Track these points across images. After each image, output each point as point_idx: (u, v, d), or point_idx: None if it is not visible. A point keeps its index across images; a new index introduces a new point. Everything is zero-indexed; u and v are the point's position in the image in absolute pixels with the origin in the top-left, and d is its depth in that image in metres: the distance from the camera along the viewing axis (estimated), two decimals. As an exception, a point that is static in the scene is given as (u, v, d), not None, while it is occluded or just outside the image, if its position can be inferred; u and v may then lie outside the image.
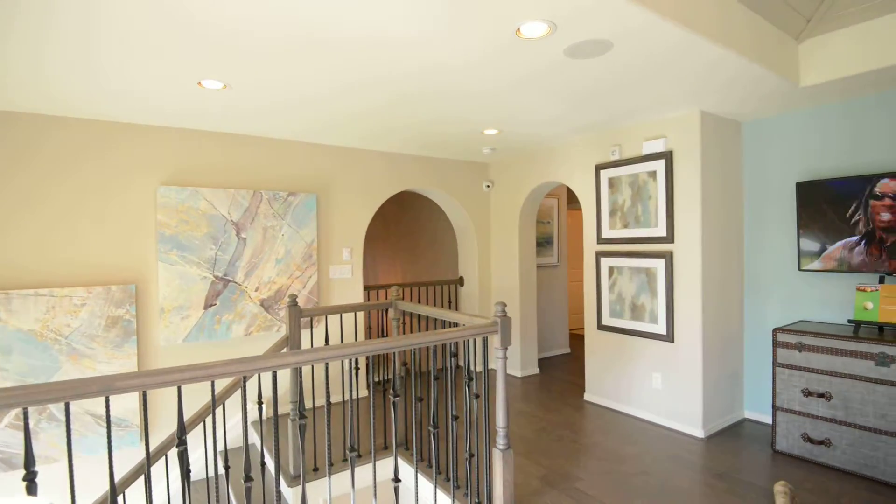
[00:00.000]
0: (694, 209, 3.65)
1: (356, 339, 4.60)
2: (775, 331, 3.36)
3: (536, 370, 5.47)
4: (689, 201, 3.68)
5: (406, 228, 7.52)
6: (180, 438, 1.88)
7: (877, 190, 3.17)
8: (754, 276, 3.98)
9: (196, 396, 3.90)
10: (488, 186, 5.50)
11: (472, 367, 3.18)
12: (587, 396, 4.53)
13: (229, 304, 3.92)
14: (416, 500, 2.50)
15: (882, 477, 2.92)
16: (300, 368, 2.11)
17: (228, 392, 3.02)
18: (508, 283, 5.39)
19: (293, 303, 3.09)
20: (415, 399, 2.83)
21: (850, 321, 3.20)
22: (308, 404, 4.31)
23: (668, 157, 3.76)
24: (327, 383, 2.32)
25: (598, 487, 2.95)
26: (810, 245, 3.48)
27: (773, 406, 3.38)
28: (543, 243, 6.17)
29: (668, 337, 3.80)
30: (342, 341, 2.65)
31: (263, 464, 2.58)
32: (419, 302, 4.81)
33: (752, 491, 2.88)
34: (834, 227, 3.36)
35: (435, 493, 2.69)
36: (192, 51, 2.43)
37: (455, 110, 3.53)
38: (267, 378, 3.95)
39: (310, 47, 2.42)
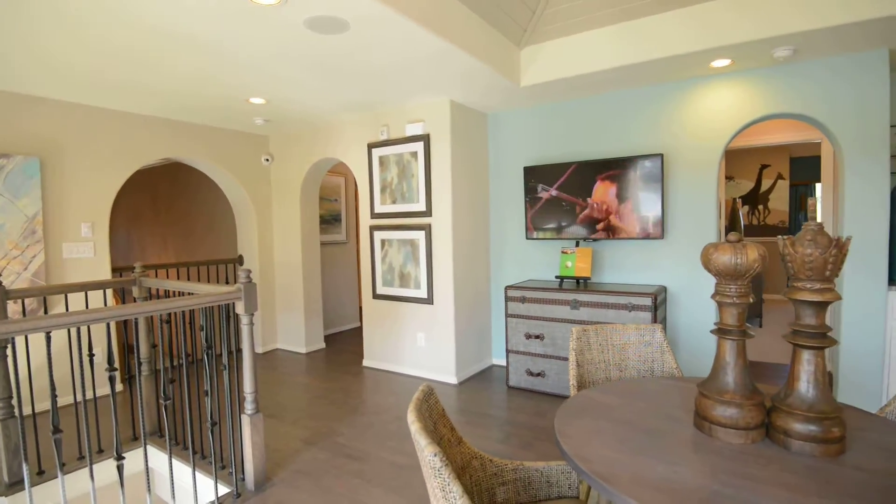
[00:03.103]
0: (447, 187, 4.14)
1: (109, 332, 4.07)
2: (507, 288, 4.05)
3: (322, 345, 5.57)
4: (443, 180, 4.16)
5: (180, 206, 6.83)
6: None
7: (577, 175, 4.03)
8: (498, 243, 4.70)
9: None
10: (268, 161, 5.34)
11: (237, 344, 3.12)
12: (365, 362, 4.82)
13: None
14: (171, 483, 2.40)
15: (575, 395, 3.79)
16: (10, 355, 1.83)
17: None
18: (291, 261, 5.35)
19: (-5, 282, 2.61)
20: (161, 381, 2.67)
21: (556, 277, 4.03)
22: (44, 406, 3.68)
23: (426, 139, 4.18)
24: (50, 364, 2.05)
25: (357, 438, 3.21)
26: (533, 216, 4.27)
27: (507, 350, 4.08)
28: (331, 220, 6.26)
29: (429, 300, 4.27)
30: (90, 335, 2.27)
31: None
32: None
33: (484, 418, 3.46)
34: (549, 202, 4.17)
35: (194, 474, 2.60)
36: None
37: (206, 70, 3.35)
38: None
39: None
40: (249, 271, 2.55)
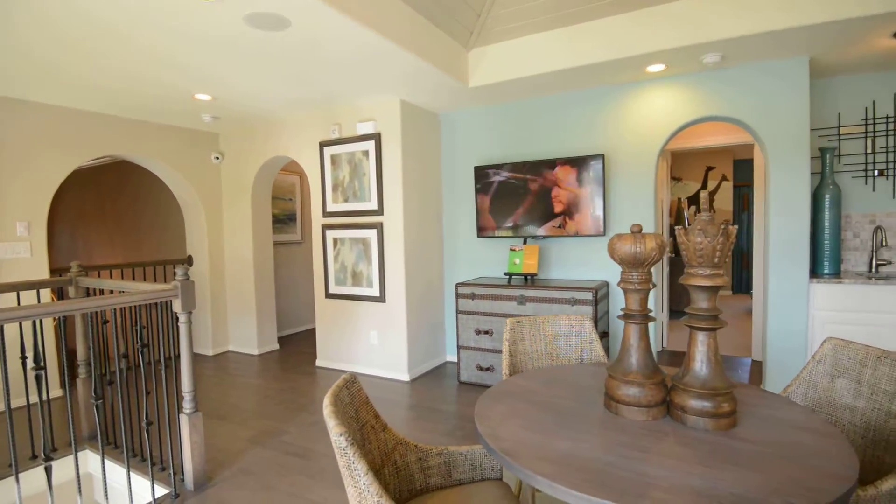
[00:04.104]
0: (398, 185, 4.17)
1: (36, 330, 3.91)
2: (457, 285, 4.12)
3: (276, 346, 5.50)
4: (394, 178, 4.19)
5: (127, 204, 6.61)
6: None
7: (525, 174, 4.14)
8: (450, 242, 4.77)
9: None
10: (217, 158, 5.24)
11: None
12: (319, 362, 4.79)
13: None
14: (105, 486, 2.34)
15: (523, 388, 3.89)
16: None
17: None
18: (243, 261, 5.26)
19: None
20: (93, 382, 2.61)
21: (505, 273, 4.13)
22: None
23: (377, 138, 4.20)
24: (-55, 366, 1.97)
25: (303, 436, 3.20)
26: (484, 215, 4.35)
27: (458, 346, 4.14)
28: (286, 220, 6.19)
29: (382, 298, 4.29)
30: (22, 337, 2.17)
31: None
32: (130, 282, 4.33)
33: (433, 413, 3.50)
34: (499, 201, 4.26)
35: (128, 475, 2.54)
36: None
37: (143, 66, 3.28)
38: None
39: None
40: (187, 268, 2.52)
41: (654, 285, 1.46)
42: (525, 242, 4.22)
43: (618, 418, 1.42)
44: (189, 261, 5.32)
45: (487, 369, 4.02)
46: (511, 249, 4.13)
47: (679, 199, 7.72)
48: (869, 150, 3.86)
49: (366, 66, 3.38)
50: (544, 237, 4.11)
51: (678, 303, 6.58)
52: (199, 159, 5.16)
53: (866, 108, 3.84)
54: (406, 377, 4.25)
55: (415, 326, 4.34)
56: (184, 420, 2.56)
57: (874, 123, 3.83)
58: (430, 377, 4.36)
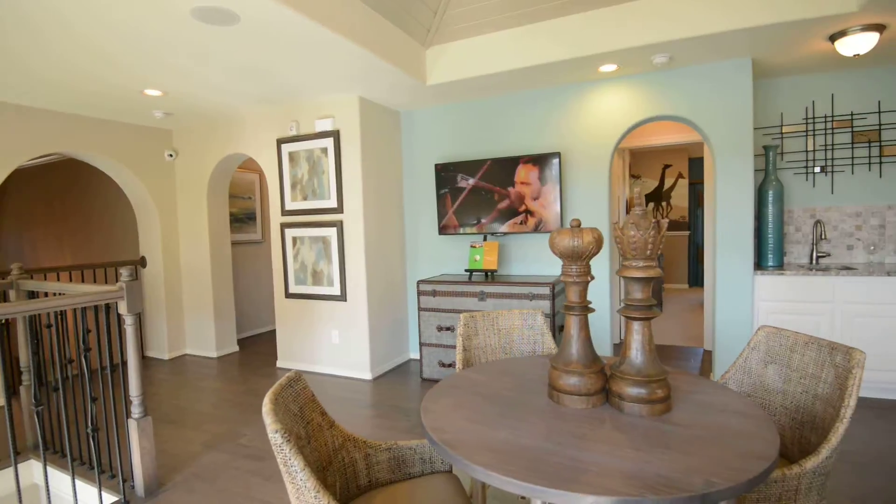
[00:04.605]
0: (357, 183, 4.14)
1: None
2: (419, 282, 4.12)
3: (235, 349, 5.39)
4: (354, 176, 4.16)
5: (78, 205, 6.34)
6: None
7: (485, 172, 4.18)
8: (412, 239, 4.77)
9: None
10: (171, 156, 5.09)
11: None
12: (279, 363, 4.72)
13: None
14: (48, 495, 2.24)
15: (484, 383, 3.93)
16: None
17: None
18: (199, 262, 5.13)
19: None
20: (32, 387, 2.50)
21: (466, 270, 4.16)
22: None
23: (336, 135, 4.16)
24: None
25: (260, 438, 3.15)
26: (445, 212, 4.37)
27: (420, 343, 4.15)
28: (245, 219, 6.06)
29: (342, 297, 4.26)
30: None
31: None
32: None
33: (394, 410, 3.50)
34: (460, 198, 4.29)
35: (73, 483, 2.44)
36: None
37: (86, 59, 3.16)
38: None
39: None
40: (133, 269, 2.44)
41: (593, 277, 1.51)
42: (485, 239, 4.27)
43: (559, 407, 1.46)
44: (142, 262, 5.14)
45: (450, 365, 4.04)
46: (471, 246, 4.16)
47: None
48: (809, 148, 4.07)
49: (321, 63, 3.34)
50: (504, 234, 4.16)
51: (637, 297, 6.76)
52: (151, 157, 4.99)
53: (807, 108, 4.04)
54: (368, 376, 4.23)
55: (377, 325, 4.32)
56: (132, 425, 2.49)
57: (814, 122, 4.03)
58: (393, 375, 4.35)
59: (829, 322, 3.50)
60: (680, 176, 8.59)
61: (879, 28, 3.01)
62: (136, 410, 2.49)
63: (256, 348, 5.50)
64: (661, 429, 1.30)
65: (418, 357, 4.81)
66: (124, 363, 2.54)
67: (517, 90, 4.16)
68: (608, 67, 3.63)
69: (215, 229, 5.12)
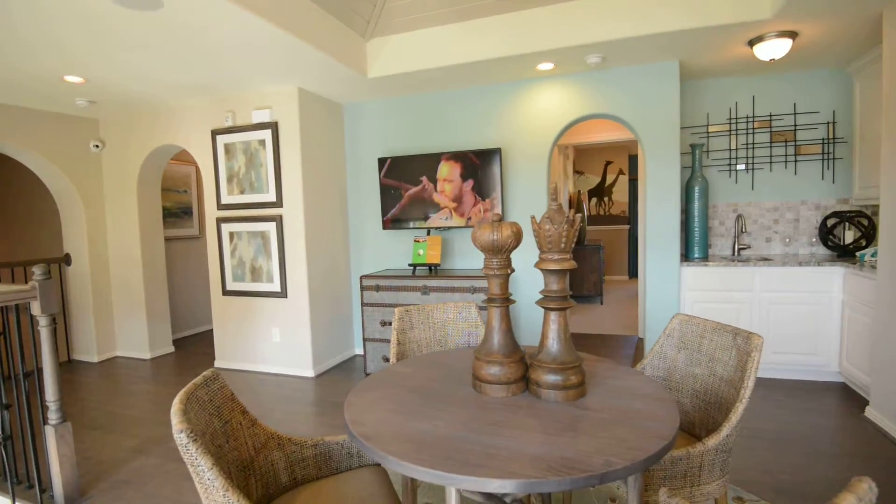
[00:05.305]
0: (297, 176, 4.06)
1: None
2: (361, 277, 4.10)
3: (170, 349, 5.16)
4: (294, 169, 4.07)
5: (-9, 199, 5.86)
6: None
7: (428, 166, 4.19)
8: (356, 233, 4.73)
9: None
10: (97, 147, 4.79)
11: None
12: (217, 363, 4.57)
13: None
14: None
15: (427, 377, 3.97)
16: None
17: None
18: (130, 259, 4.87)
19: None
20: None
21: (410, 265, 4.17)
22: None
23: (274, 127, 4.05)
24: None
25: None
26: (389, 207, 4.36)
27: (364, 339, 4.13)
28: (180, 213, 5.80)
29: (283, 293, 4.17)
30: None
31: None
32: None
33: (335, 407, 3.48)
34: (400, 194, 4.28)
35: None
36: None
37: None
38: None
39: None
40: (47, 267, 2.30)
41: (513, 270, 1.55)
42: (429, 234, 4.29)
43: (481, 396, 1.50)
44: (66, 259, 4.83)
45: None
46: (415, 241, 4.17)
47: (579, 191, 8.19)
48: (732, 147, 4.33)
49: (256, 54, 3.24)
50: (447, 228, 4.20)
51: (580, 288, 7.00)
52: (75, 148, 4.68)
53: (730, 109, 4.29)
54: (311, 373, 4.17)
55: (319, 321, 4.26)
56: (49, 432, 2.35)
57: (736, 122, 4.29)
58: (336, 372, 4.31)
59: (748, 309, 3.75)
60: (621, 172, 8.92)
61: (792, 35, 3.24)
62: (53, 416, 2.35)
63: (193, 348, 5.30)
64: (573, 413, 1.36)
65: (363, 352, 4.78)
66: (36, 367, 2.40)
67: (460, 86, 4.19)
68: (546, 66, 3.71)
69: (147, 224, 4.88)
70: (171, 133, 4.57)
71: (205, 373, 1.41)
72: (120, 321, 5.00)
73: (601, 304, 6.91)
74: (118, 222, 4.90)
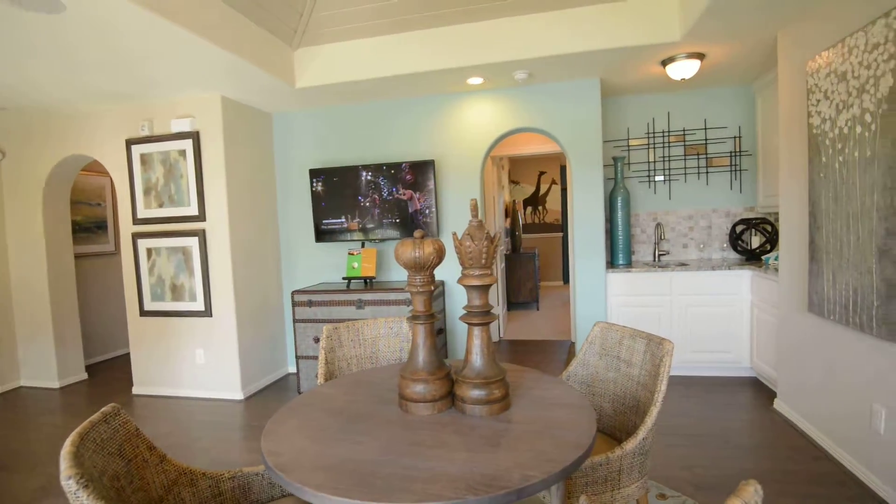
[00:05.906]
0: (221, 188, 3.88)
1: None
2: (293, 293, 3.97)
3: (83, 376, 4.75)
4: (217, 181, 3.89)
5: None
6: None
7: (361, 178, 4.14)
8: (287, 247, 4.59)
9: None
10: (-7, 158, 4.36)
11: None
12: (136, 390, 4.25)
13: None
14: None
15: (364, 392, 3.89)
16: None
17: None
18: (33, 278, 4.44)
19: None
20: None
21: (344, 278, 4.09)
22: None
23: (195, 136, 3.86)
24: None
25: (106, 476, 2.80)
26: (321, 219, 4.26)
27: (297, 356, 3.99)
28: (93, 228, 5.38)
29: (207, 312, 3.95)
30: None
31: None
32: None
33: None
34: (336, 205, 4.20)
35: None
36: None
37: None
38: None
39: None
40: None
41: (437, 287, 1.55)
42: (363, 246, 4.23)
43: (407, 416, 1.48)
44: (-45, 282, 4.33)
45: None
46: (349, 254, 4.10)
47: (514, 200, 8.40)
48: (651, 160, 4.60)
49: (173, 60, 3.07)
50: (382, 241, 4.16)
51: (516, 295, 7.16)
52: (-35, 157, 4.23)
53: (648, 124, 4.56)
54: (239, 395, 3.97)
55: (248, 340, 4.08)
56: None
57: (654, 136, 4.57)
58: (268, 392, 4.14)
59: (668, 312, 3.98)
60: (553, 182, 9.24)
61: (700, 56, 3.50)
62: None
63: (110, 374, 4.90)
64: (496, 428, 1.38)
65: (296, 371, 4.62)
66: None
67: (393, 97, 4.19)
68: (475, 80, 3.79)
69: (54, 240, 4.48)
70: (83, 143, 4.23)
71: (104, 408, 1.30)
72: (24, 346, 4.54)
73: (537, 309, 7.10)
74: (20, 238, 4.46)
